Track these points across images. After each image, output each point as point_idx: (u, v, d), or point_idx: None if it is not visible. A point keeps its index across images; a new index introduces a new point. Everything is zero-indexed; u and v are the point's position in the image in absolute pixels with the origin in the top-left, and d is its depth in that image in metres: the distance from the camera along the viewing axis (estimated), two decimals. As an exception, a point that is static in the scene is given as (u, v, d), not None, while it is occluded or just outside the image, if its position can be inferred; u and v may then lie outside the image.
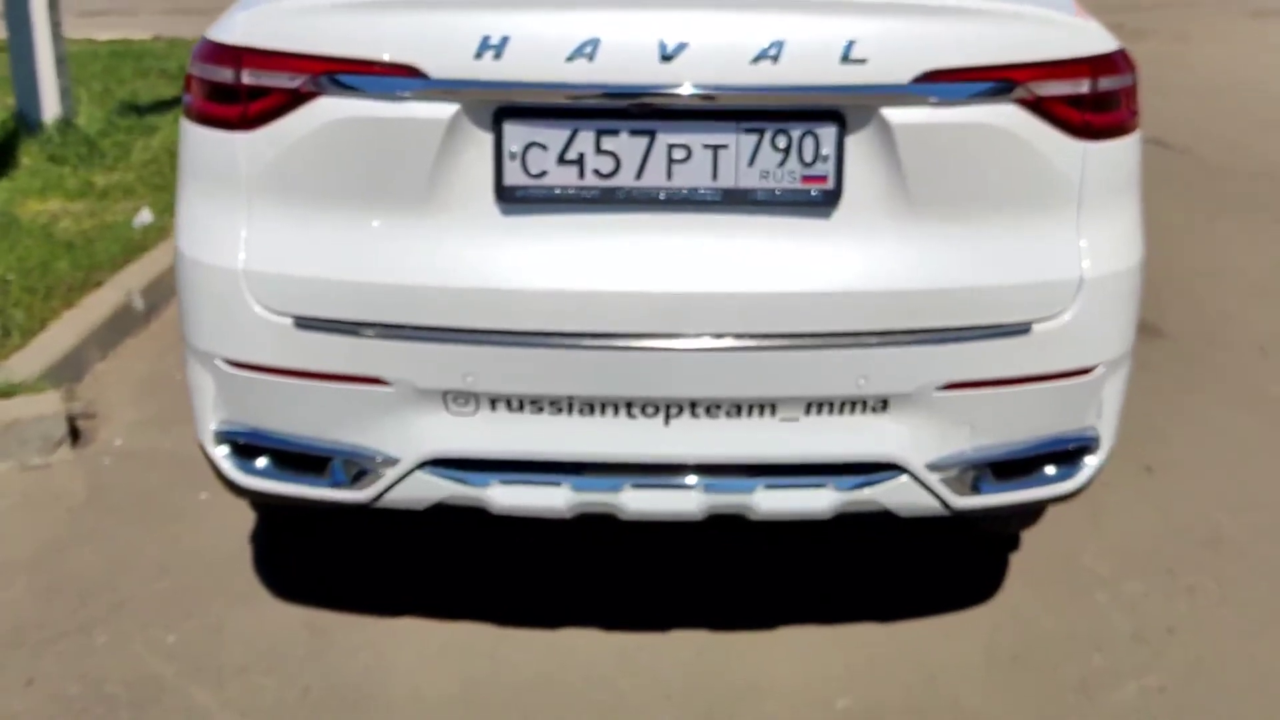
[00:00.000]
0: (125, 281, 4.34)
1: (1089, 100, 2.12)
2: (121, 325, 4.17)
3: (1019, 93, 2.08)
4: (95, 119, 6.33)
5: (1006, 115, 2.09)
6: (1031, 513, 2.80)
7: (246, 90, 2.09)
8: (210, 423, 2.31)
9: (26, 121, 6.00)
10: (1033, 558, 2.94)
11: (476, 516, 2.30)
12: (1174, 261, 4.86)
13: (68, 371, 3.74)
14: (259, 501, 2.74)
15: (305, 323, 2.15)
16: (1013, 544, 2.98)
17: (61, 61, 6.06)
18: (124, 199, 5.25)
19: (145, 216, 4.97)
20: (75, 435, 3.44)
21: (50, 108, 6.03)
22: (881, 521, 2.33)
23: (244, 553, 2.92)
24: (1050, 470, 2.32)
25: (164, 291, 4.41)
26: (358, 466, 2.24)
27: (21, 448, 3.32)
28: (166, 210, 4.99)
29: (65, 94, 6.12)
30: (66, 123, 6.06)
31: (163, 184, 5.43)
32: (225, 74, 2.11)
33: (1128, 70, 2.19)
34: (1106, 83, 2.14)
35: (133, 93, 7.23)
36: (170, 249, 4.57)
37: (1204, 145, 6.96)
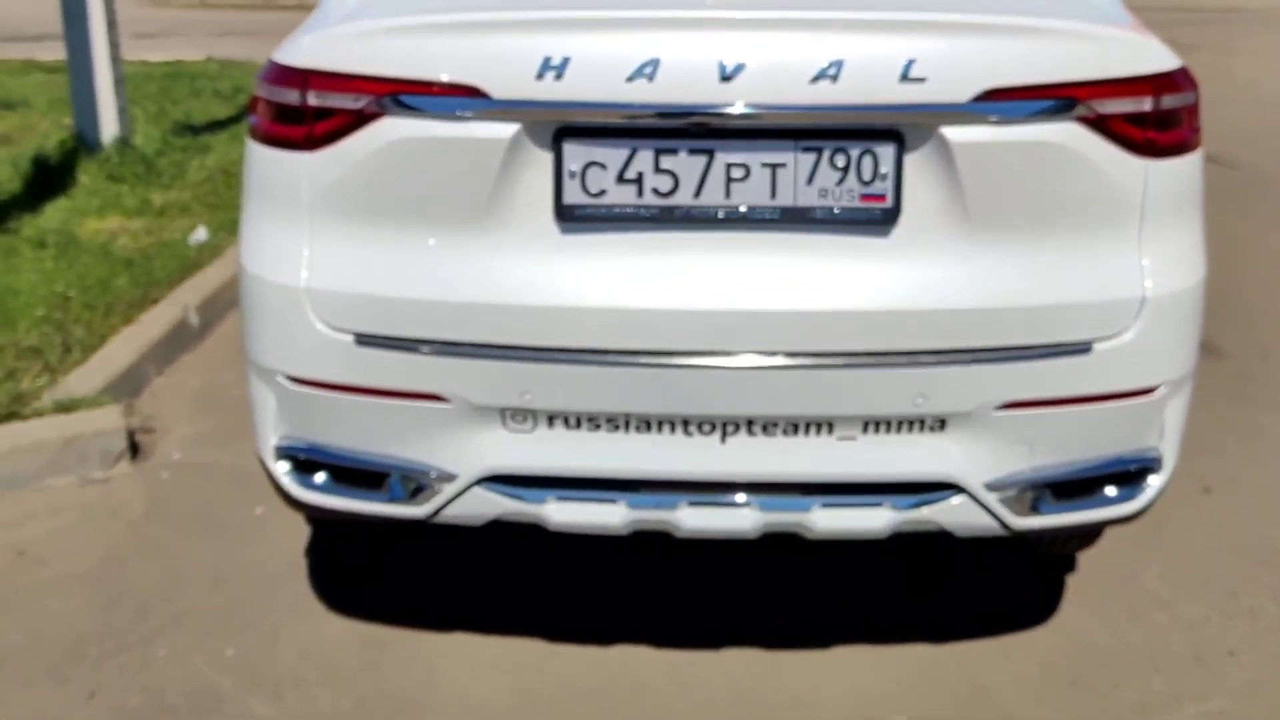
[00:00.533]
0: (181, 298, 4.42)
1: (1151, 118, 2.11)
2: (178, 341, 4.25)
3: (1080, 111, 2.07)
4: (152, 138, 6.45)
5: (1068, 133, 2.08)
6: (1090, 533, 2.77)
7: (312, 111, 2.13)
8: (271, 438, 2.34)
9: (85, 141, 6.13)
10: (1090, 577, 2.91)
11: (531, 532, 2.31)
12: (1228, 277, 4.79)
13: (126, 387, 3.81)
14: (316, 516, 2.77)
15: (366, 340, 2.18)
16: (1069, 564, 2.95)
17: (120, 82, 6.19)
18: (180, 217, 5.35)
19: (200, 234, 5.06)
20: (134, 450, 3.49)
21: (109, 128, 6.16)
22: (937, 539, 2.32)
23: (299, 566, 2.96)
24: (1111, 491, 2.29)
25: (219, 308, 4.49)
26: (415, 482, 2.26)
27: (82, 462, 3.38)
28: (221, 228, 5.08)
29: (123, 114, 6.25)
30: (124, 142, 6.19)
31: (217, 202, 5.52)
32: (291, 95, 2.14)
33: (1190, 88, 2.17)
34: (1169, 100, 2.12)
35: (187, 113, 7.37)
36: (224, 266, 4.68)
37: (1256, 159, 6.87)
